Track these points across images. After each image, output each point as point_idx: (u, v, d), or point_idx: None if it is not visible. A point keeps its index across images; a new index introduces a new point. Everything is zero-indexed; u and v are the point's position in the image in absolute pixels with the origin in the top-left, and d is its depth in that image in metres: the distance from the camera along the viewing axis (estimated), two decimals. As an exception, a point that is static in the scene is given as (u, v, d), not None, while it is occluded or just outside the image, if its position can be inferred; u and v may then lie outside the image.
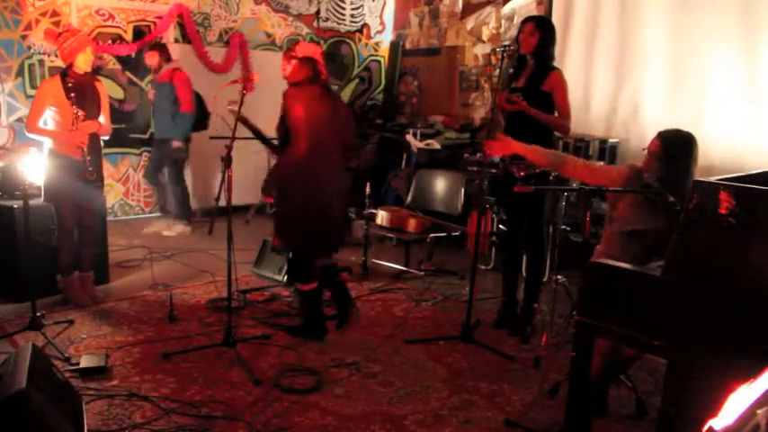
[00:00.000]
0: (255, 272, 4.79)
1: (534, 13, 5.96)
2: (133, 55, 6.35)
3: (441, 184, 5.34)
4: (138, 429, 2.69)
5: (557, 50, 3.87)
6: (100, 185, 4.13)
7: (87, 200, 4.04)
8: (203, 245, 5.44)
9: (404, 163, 6.51)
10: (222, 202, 3.38)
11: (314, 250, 3.64)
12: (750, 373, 1.57)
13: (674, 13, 4.84)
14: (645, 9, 5.03)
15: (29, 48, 5.75)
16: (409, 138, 6.36)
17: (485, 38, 6.75)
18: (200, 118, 5.77)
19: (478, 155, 5.41)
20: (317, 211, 3.53)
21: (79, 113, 3.83)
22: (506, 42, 4.57)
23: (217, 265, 4.83)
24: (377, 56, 8.11)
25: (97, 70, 5.21)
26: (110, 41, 6.16)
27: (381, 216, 5.07)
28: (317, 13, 7.51)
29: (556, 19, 5.53)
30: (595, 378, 2.75)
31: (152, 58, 5.77)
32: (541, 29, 3.73)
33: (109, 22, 6.17)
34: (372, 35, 8.04)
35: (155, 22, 6.39)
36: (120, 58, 6.28)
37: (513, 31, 5.69)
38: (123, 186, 6.51)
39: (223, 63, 6.65)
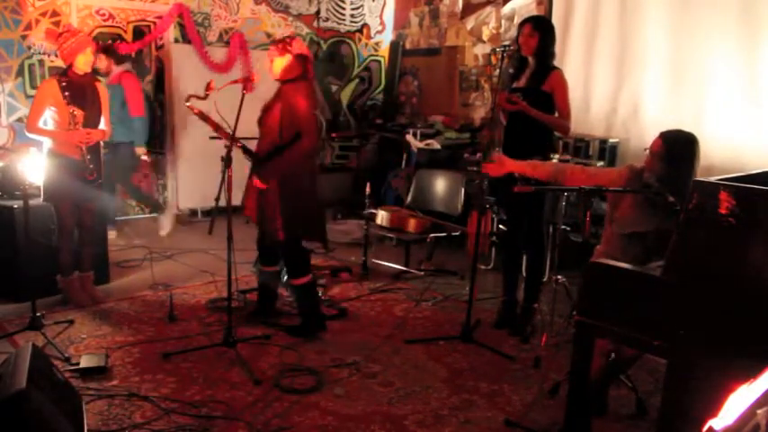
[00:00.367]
0: (255, 272, 4.78)
1: (534, 12, 5.96)
2: (133, 55, 6.36)
3: (441, 184, 5.34)
4: (138, 429, 2.69)
5: (557, 50, 3.87)
6: (99, 185, 4.13)
7: (87, 200, 4.05)
8: (203, 245, 5.44)
9: (404, 163, 6.51)
10: (222, 202, 3.38)
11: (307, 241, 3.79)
12: (750, 373, 1.57)
13: (674, 13, 4.84)
14: (645, 9, 5.02)
15: (29, 48, 5.74)
16: (409, 138, 6.36)
17: (485, 38, 6.75)
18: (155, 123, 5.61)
19: (478, 155, 5.41)
20: (317, 204, 3.72)
21: (75, 112, 3.83)
22: (506, 42, 4.56)
23: (217, 265, 4.83)
24: (377, 56, 8.11)
25: (97, 70, 5.20)
26: (110, 41, 6.15)
27: (381, 216, 5.07)
28: (317, 13, 7.51)
29: (556, 19, 5.53)
30: (595, 378, 2.75)
31: (101, 61, 5.49)
32: (540, 29, 3.73)
33: (109, 22, 6.16)
34: (372, 35, 8.04)
35: (155, 22, 6.39)
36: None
37: (513, 31, 5.68)
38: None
39: (223, 63, 6.65)
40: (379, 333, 3.83)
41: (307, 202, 3.62)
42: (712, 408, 1.46)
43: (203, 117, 3.58)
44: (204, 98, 3.42)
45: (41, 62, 5.83)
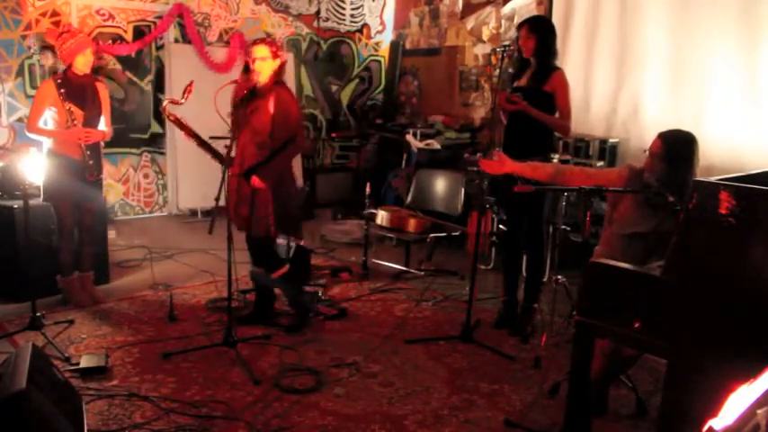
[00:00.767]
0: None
1: (534, 12, 5.96)
2: (133, 55, 6.36)
3: (441, 184, 5.34)
4: (138, 429, 2.69)
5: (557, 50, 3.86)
6: (100, 185, 4.13)
7: (87, 199, 4.05)
8: (203, 245, 5.44)
9: (404, 163, 6.51)
10: (222, 202, 3.38)
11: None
12: (750, 373, 1.57)
13: (674, 13, 4.84)
14: (645, 9, 5.02)
15: (29, 48, 5.74)
16: (409, 138, 6.36)
17: (485, 38, 6.75)
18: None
19: (478, 155, 5.41)
20: (299, 201, 3.94)
21: (72, 109, 3.83)
22: (506, 42, 4.56)
23: (217, 265, 4.83)
24: (377, 56, 8.11)
25: (97, 70, 5.20)
26: (110, 41, 6.16)
27: (381, 216, 5.07)
28: (317, 13, 7.52)
29: (556, 19, 5.53)
30: (595, 378, 2.75)
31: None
32: (536, 30, 3.73)
33: (109, 22, 6.17)
34: (372, 35, 8.04)
35: (155, 22, 6.39)
36: (120, 58, 6.28)
37: (513, 32, 5.69)
38: (123, 186, 6.51)
39: (223, 63, 6.65)
40: (379, 333, 3.83)
41: (294, 200, 3.81)
42: (712, 408, 1.46)
43: (179, 124, 3.54)
44: (181, 103, 3.35)
45: (41, 62, 5.83)
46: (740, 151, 4.44)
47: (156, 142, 6.67)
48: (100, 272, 4.38)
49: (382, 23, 8.06)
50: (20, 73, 5.74)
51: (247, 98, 3.52)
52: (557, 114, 3.76)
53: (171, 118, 3.55)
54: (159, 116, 6.63)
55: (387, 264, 5.15)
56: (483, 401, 3.07)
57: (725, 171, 2.65)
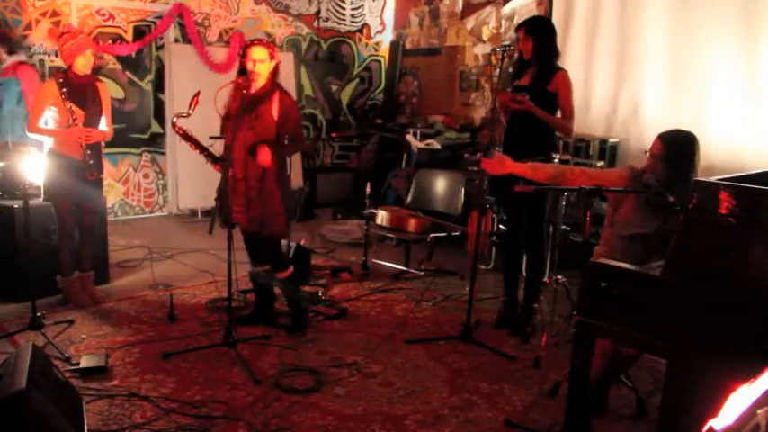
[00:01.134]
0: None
1: (535, 12, 5.97)
2: (133, 55, 6.36)
3: (441, 184, 5.34)
4: (138, 429, 2.69)
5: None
6: (100, 185, 4.13)
7: (87, 199, 4.05)
8: (203, 245, 5.44)
9: (404, 163, 6.51)
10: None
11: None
12: (750, 373, 1.57)
13: (674, 13, 4.84)
14: (645, 9, 5.02)
15: (29, 48, 5.74)
16: (409, 138, 6.36)
17: (485, 38, 6.75)
18: None
19: (478, 155, 5.41)
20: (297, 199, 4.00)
21: (73, 108, 3.83)
22: (506, 42, 4.56)
23: (217, 265, 4.83)
24: (377, 56, 8.11)
25: (97, 70, 5.20)
26: (110, 41, 6.16)
27: (381, 216, 5.07)
28: (318, 13, 7.51)
29: (556, 19, 5.53)
30: (595, 378, 2.75)
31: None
32: (533, 32, 3.73)
33: (109, 22, 6.17)
34: (372, 35, 8.04)
35: (155, 22, 6.39)
36: (120, 58, 6.28)
37: (513, 32, 5.68)
38: (123, 186, 6.51)
39: (223, 63, 6.65)
40: (379, 333, 3.83)
41: (292, 197, 3.90)
42: (712, 408, 1.46)
43: (187, 138, 3.56)
44: (188, 115, 3.38)
45: (41, 62, 5.83)
46: (740, 151, 4.44)
47: (156, 142, 6.67)
48: (100, 272, 4.38)
49: (382, 23, 8.06)
50: (20, 73, 5.74)
51: (252, 104, 3.50)
52: (558, 114, 3.76)
53: (180, 132, 3.55)
54: (159, 116, 6.64)
55: (387, 264, 5.15)
56: (483, 401, 3.07)
57: (725, 171, 2.65)
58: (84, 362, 3.21)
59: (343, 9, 7.78)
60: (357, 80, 8.04)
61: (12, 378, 2.19)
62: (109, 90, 4.22)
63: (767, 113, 4.38)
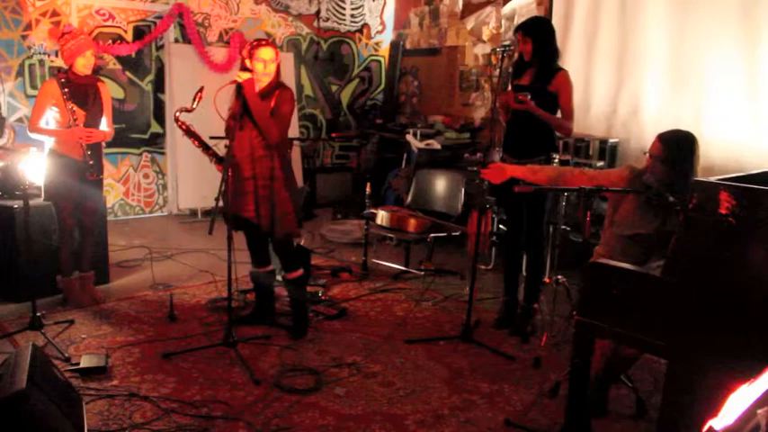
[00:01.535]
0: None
1: (535, 12, 5.97)
2: (133, 55, 6.36)
3: (441, 184, 5.34)
4: (138, 429, 2.69)
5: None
6: (100, 185, 4.13)
7: (88, 199, 4.05)
8: (203, 245, 5.44)
9: (404, 163, 6.52)
10: (222, 203, 3.38)
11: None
12: (750, 373, 1.57)
13: (674, 12, 4.84)
14: (645, 9, 5.03)
15: (29, 48, 5.75)
16: (409, 138, 6.36)
17: (485, 38, 6.75)
18: None
19: (478, 154, 5.41)
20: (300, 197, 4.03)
21: (74, 108, 3.83)
22: (506, 42, 4.56)
23: (217, 265, 4.83)
24: (377, 56, 8.11)
25: (97, 70, 5.20)
26: (110, 41, 6.16)
27: (381, 216, 5.07)
28: (318, 13, 7.52)
29: (556, 19, 5.54)
30: (596, 378, 2.75)
31: None
32: (530, 34, 3.72)
33: (109, 22, 6.17)
34: (372, 35, 8.04)
35: (155, 22, 6.40)
36: (120, 58, 6.28)
37: (512, 33, 5.68)
38: (123, 186, 6.51)
39: (223, 63, 6.65)
40: (379, 333, 3.83)
41: (299, 196, 3.83)
42: (712, 408, 1.46)
43: (189, 133, 3.58)
44: (192, 110, 3.40)
45: (41, 62, 5.83)
46: (740, 151, 4.44)
47: (156, 142, 6.67)
48: (100, 272, 4.38)
49: (382, 23, 8.06)
50: (20, 73, 5.74)
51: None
52: (558, 114, 3.76)
53: (182, 127, 3.56)
54: (159, 116, 6.64)
55: (387, 264, 5.16)
56: (483, 401, 3.07)
57: (725, 171, 2.65)
58: (84, 362, 3.21)
59: (343, 9, 7.78)
60: (357, 80, 8.04)
61: (12, 378, 2.19)
62: (110, 90, 4.21)
63: (767, 113, 4.39)
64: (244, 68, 3.50)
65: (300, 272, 3.78)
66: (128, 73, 6.39)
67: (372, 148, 7.22)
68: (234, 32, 6.85)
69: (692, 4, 4.73)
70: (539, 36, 3.72)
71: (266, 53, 3.48)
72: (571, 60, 5.44)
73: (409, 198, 5.46)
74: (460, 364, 3.47)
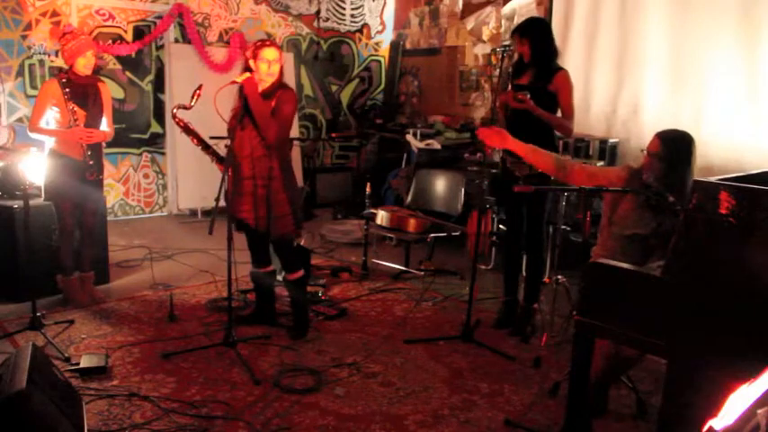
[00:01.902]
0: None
1: (534, 12, 5.97)
2: (133, 55, 6.36)
3: (441, 184, 5.34)
4: (138, 429, 2.69)
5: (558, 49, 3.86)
6: (101, 185, 4.13)
7: (88, 200, 4.05)
8: (203, 245, 5.44)
9: (404, 163, 6.52)
10: (222, 203, 3.38)
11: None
12: (750, 373, 1.57)
13: (674, 12, 4.84)
14: (645, 9, 5.02)
15: (29, 48, 5.75)
16: (409, 138, 6.36)
17: (485, 38, 6.75)
18: None
19: (479, 155, 5.41)
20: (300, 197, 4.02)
21: (75, 109, 3.83)
22: (506, 42, 4.56)
23: (217, 265, 4.83)
24: (377, 56, 8.11)
25: (97, 71, 5.20)
26: (110, 41, 6.16)
27: (381, 216, 5.07)
28: (318, 13, 7.52)
29: (556, 19, 5.54)
30: (596, 378, 2.75)
31: None
32: (527, 35, 3.72)
33: (109, 22, 6.17)
34: (372, 35, 8.04)
35: (155, 22, 6.40)
36: (120, 58, 6.28)
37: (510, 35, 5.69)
38: (123, 186, 6.51)
39: (223, 63, 6.65)
40: (379, 333, 3.83)
41: (299, 196, 3.82)
42: (712, 408, 1.46)
43: (187, 131, 3.59)
44: (190, 107, 3.40)
45: (41, 62, 5.83)
46: (740, 151, 4.44)
47: (156, 142, 6.67)
48: (100, 272, 4.38)
49: (382, 23, 8.06)
50: (20, 73, 5.74)
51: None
52: (558, 114, 3.76)
53: (180, 124, 3.57)
54: (159, 116, 6.64)
55: (387, 264, 5.15)
56: (483, 401, 3.07)
57: (725, 171, 2.65)
58: (84, 362, 3.21)
59: (343, 9, 7.78)
60: (357, 80, 8.04)
61: (12, 378, 2.19)
62: (110, 90, 4.21)
63: (767, 113, 4.39)
64: (246, 69, 3.51)
65: (301, 273, 3.78)
66: (128, 73, 6.39)
67: (372, 148, 7.22)
68: (234, 32, 6.85)
69: (691, 5, 4.73)
70: (535, 37, 3.72)
71: (270, 53, 3.49)
72: (571, 60, 5.44)
73: (409, 198, 5.46)
74: (460, 364, 3.47)
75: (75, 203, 4.01)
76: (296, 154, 6.85)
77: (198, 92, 3.39)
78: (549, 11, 5.76)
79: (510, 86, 3.85)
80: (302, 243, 4.73)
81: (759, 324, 1.95)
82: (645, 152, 2.86)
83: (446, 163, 6.04)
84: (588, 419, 2.59)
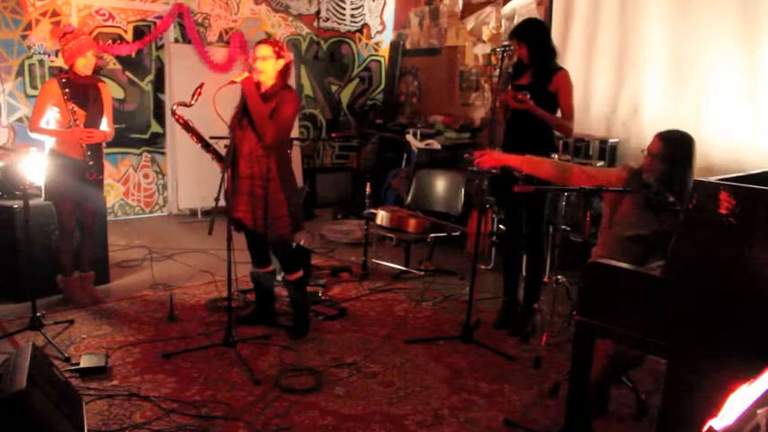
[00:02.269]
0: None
1: (534, 13, 5.97)
2: (133, 55, 6.36)
3: (441, 184, 5.34)
4: (138, 429, 2.69)
5: (557, 50, 3.86)
6: (101, 185, 4.13)
7: (88, 200, 4.05)
8: (203, 245, 5.44)
9: (404, 163, 6.52)
10: (222, 203, 3.38)
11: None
12: (750, 373, 1.57)
13: (674, 12, 4.84)
14: (645, 9, 5.03)
15: (29, 48, 5.75)
16: (409, 138, 6.36)
17: (485, 38, 6.75)
18: None
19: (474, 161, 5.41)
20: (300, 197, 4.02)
21: (75, 109, 3.84)
22: (506, 42, 4.56)
23: (217, 265, 4.83)
24: (377, 56, 8.11)
25: (97, 71, 5.20)
26: (110, 41, 6.16)
27: (381, 216, 5.07)
28: (318, 13, 7.52)
29: (556, 19, 5.54)
30: (596, 378, 2.75)
31: None
32: (524, 37, 3.73)
33: (109, 22, 6.17)
34: (372, 35, 8.04)
35: (155, 22, 6.40)
36: (120, 58, 6.28)
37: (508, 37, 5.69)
38: (123, 186, 6.51)
39: (223, 63, 6.65)
40: (379, 333, 3.83)
41: (298, 196, 3.80)
42: (712, 408, 1.46)
43: (187, 128, 3.60)
44: (191, 105, 3.40)
45: (41, 62, 5.83)
46: (740, 151, 4.44)
47: (156, 142, 6.67)
48: (100, 272, 4.38)
49: (382, 23, 8.06)
50: (20, 73, 5.74)
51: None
52: (558, 114, 3.76)
53: (180, 121, 3.58)
54: (159, 116, 6.64)
55: (387, 264, 5.15)
56: (483, 401, 3.07)
57: (725, 171, 2.65)
58: (84, 362, 3.21)
59: (343, 9, 7.78)
60: (357, 80, 8.04)
61: (12, 378, 2.19)
62: (110, 90, 4.21)
63: (767, 113, 4.38)
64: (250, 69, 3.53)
65: (300, 273, 3.78)
66: (128, 73, 6.39)
67: (372, 148, 7.22)
68: (234, 32, 6.85)
69: (691, 4, 4.73)
70: (532, 39, 3.73)
71: (261, 50, 3.49)
72: (571, 60, 5.44)
73: (409, 198, 5.45)
74: (460, 364, 3.47)
75: (75, 203, 4.01)
76: (296, 154, 6.85)
77: (199, 90, 3.39)
78: (549, 11, 5.76)
79: (510, 86, 3.85)
80: (302, 243, 4.73)
81: (759, 324, 1.95)
82: (645, 152, 2.86)
83: (446, 163, 6.04)
84: (588, 419, 2.59)
